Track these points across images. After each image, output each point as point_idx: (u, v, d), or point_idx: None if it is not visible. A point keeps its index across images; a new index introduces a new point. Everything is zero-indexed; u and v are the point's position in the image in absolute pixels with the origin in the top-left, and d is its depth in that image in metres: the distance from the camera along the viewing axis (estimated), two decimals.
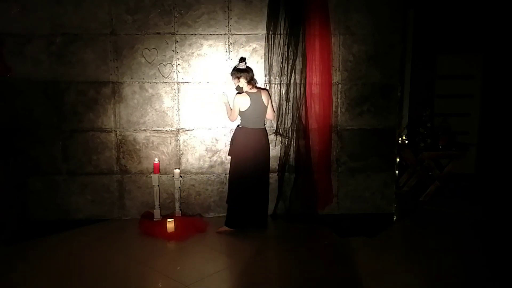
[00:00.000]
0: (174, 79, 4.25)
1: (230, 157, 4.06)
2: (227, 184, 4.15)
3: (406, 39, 5.47)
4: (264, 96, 3.92)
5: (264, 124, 4.03)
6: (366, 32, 4.25)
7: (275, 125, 4.28)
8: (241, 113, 3.87)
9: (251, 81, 3.86)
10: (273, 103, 4.17)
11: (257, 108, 3.86)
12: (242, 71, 3.83)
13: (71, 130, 4.26)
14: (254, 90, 3.88)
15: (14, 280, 3.09)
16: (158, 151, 4.34)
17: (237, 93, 3.89)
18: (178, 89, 4.27)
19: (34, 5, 4.05)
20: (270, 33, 4.13)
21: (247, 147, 3.86)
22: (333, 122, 4.35)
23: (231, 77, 3.92)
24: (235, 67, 3.90)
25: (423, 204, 4.94)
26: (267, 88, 4.22)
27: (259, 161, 3.92)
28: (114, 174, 4.35)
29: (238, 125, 3.97)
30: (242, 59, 3.91)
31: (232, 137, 4.02)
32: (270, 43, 4.14)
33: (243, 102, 3.81)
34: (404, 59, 5.51)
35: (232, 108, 3.91)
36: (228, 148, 4.34)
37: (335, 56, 4.26)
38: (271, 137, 4.29)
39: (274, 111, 4.14)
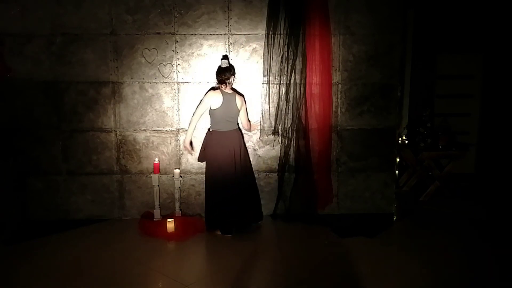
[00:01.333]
0: (174, 79, 4.25)
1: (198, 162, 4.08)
2: (206, 190, 4.00)
3: (406, 39, 5.47)
4: (238, 99, 3.88)
5: (238, 125, 4.01)
6: (366, 32, 4.25)
7: (273, 125, 4.27)
8: (211, 112, 3.84)
9: (227, 80, 3.81)
10: (248, 112, 4.12)
11: (229, 109, 3.81)
12: (224, 70, 3.81)
13: (71, 130, 4.26)
14: (229, 91, 3.86)
15: (14, 280, 3.09)
16: (158, 151, 4.34)
17: (210, 89, 3.89)
18: (178, 89, 4.27)
19: (34, 5, 4.05)
20: (270, 33, 4.13)
21: (223, 152, 3.80)
22: (333, 122, 4.35)
23: (216, 76, 3.88)
24: (219, 66, 3.87)
25: (423, 204, 4.94)
26: (243, 94, 4.16)
27: (240, 161, 3.89)
28: (114, 174, 4.35)
29: (209, 129, 3.93)
30: (224, 57, 3.95)
31: (203, 142, 3.97)
32: (270, 43, 4.14)
33: (215, 100, 3.76)
34: (404, 59, 5.52)
35: (199, 104, 3.85)
36: None
37: (335, 56, 4.26)
38: (270, 137, 4.29)
39: (249, 121, 4.09)
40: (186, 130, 4.32)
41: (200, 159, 4.01)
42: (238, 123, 4.02)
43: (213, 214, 3.91)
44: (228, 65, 3.86)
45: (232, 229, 3.91)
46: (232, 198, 3.85)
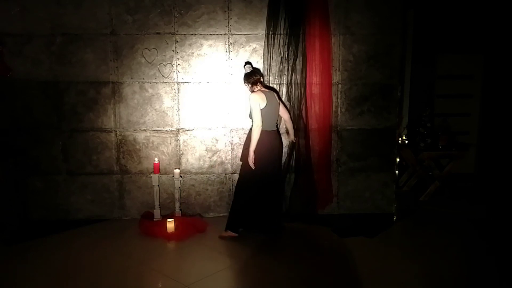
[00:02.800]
0: (174, 79, 4.25)
1: (240, 161, 3.98)
2: (239, 189, 3.86)
3: (406, 39, 5.47)
4: (276, 95, 3.87)
5: (277, 125, 3.95)
6: (366, 32, 4.25)
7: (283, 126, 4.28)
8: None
9: (259, 80, 3.76)
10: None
11: (273, 106, 3.74)
12: (252, 73, 3.76)
13: (71, 130, 4.26)
14: (266, 90, 3.81)
15: (14, 280, 3.09)
16: (158, 151, 4.34)
17: (252, 92, 3.74)
18: (178, 89, 4.27)
19: (34, 5, 4.05)
20: (270, 33, 4.13)
21: (264, 152, 3.68)
22: (333, 122, 4.35)
23: (246, 85, 3.81)
24: (245, 73, 3.80)
25: (423, 204, 4.94)
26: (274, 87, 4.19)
27: (276, 163, 3.84)
28: (114, 174, 4.35)
29: (251, 128, 3.74)
30: (247, 63, 3.90)
31: (246, 141, 3.85)
32: (270, 43, 4.14)
33: (261, 100, 3.64)
34: (404, 59, 5.51)
35: (251, 111, 3.65)
36: (227, 148, 4.35)
37: (335, 56, 4.26)
38: None
39: (288, 110, 4.07)
40: (187, 131, 4.33)
41: (242, 158, 3.84)
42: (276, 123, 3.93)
43: (242, 214, 3.84)
44: (253, 68, 3.81)
45: (244, 226, 3.92)
46: (263, 199, 3.81)
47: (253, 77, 3.74)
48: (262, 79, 3.82)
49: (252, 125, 3.70)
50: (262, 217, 3.88)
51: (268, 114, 3.70)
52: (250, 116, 3.75)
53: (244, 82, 3.83)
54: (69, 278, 3.10)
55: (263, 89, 3.79)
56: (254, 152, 3.63)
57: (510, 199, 5.04)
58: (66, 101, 4.21)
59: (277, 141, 3.86)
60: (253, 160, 3.63)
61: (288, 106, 4.22)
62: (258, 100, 3.63)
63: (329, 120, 4.29)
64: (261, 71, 4.19)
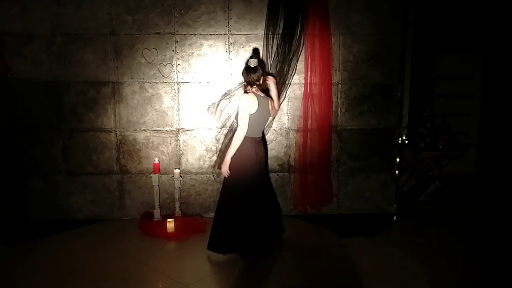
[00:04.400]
0: (174, 79, 4.25)
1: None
2: (233, 212, 3.35)
3: (406, 39, 5.47)
4: (270, 103, 3.49)
5: (263, 132, 3.67)
6: (366, 32, 4.25)
7: (273, 125, 4.27)
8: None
9: (257, 82, 3.33)
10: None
11: (263, 112, 3.36)
12: (252, 70, 3.30)
13: (71, 130, 4.26)
14: (261, 94, 3.41)
15: (14, 280, 3.09)
16: (158, 151, 4.34)
17: (244, 93, 3.35)
18: (178, 89, 4.27)
19: (34, 5, 4.05)
20: (270, 33, 4.13)
21: (253, 160, 3.33)
22: (333, 122, 4.35)
23: (243, 76, 3.38)
24: (247, 65, 3.36)
25: (423, 204, 4.94)
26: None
27: (262, 172, 3.49)
28: (114, 174, 4.35)
29: (234, 133, 3.40)
30: (252, 57, 3.50)
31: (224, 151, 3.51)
32: (270, 43, 4.14)
33: (253, 105, 3.24)
34: (404, 59, 5.51)
35: (238, 113, 3.27)
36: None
37: (335, 56, 4.26)
38: (270, 137, 4.29)
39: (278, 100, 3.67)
40: (187, 131, 4.33)
41: (219, 166, 3.55)
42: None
43: (235, 234, 3.34)
44: (257, 65, 3.33)
45: (264, 250, 3.50)
46: (263, 212, 3.47)
47: (251, 76, 3.30)
48: (260, 82, 3.37)
49: (236, 129, 3.32)
50: (272, 225, 3.67)
51: (257, 121, 3.31)
52: (236, 118, 3.40)
53: (242, 75, 3.40)
54: (69, 278, 3.10)
55: (259, 92, 3.38)
56: (237, 162, 3.26)
57: (510, 199, 5.04)
58: (66, 101, 4.21)
59: (262, 147, 3.49)
60: (227, 167, 3.27)
61: (287, 106, 4.22)
62: (248, 104, 3.22)
63: (329, 120, 4.29)
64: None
